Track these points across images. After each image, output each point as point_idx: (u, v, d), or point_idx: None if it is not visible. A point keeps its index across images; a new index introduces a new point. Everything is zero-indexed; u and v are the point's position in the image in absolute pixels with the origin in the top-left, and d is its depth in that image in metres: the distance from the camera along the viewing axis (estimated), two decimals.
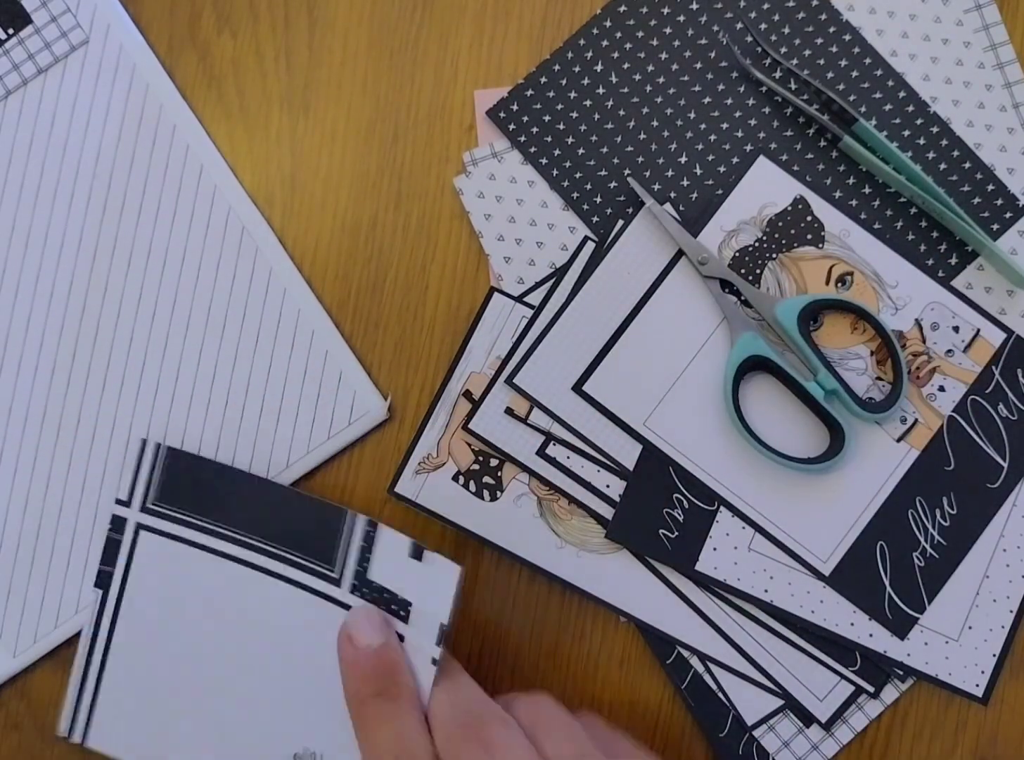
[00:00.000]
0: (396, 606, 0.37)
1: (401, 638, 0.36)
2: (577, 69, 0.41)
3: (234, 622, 0.39)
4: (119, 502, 0.40)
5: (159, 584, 0.40)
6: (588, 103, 0.41)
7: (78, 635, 0.40)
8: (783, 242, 0.40)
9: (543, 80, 0.41)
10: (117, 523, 0.40)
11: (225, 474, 0.39)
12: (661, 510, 0.39)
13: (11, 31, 0.42)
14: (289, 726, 0.38)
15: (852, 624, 0.38)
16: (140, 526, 0.40)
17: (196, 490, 0.39)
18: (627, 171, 0.41)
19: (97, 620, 0.40)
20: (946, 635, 0.38)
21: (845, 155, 0.40)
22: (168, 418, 0.41)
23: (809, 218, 0.40)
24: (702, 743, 0.39)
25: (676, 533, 0.39)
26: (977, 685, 0.38)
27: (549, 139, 0.41)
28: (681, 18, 0.41)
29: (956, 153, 0.40)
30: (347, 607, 0.37)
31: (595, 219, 0.41)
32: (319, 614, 0.38)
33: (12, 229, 0.41)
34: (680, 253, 0.40)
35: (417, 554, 0.36)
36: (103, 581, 0.40)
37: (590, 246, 0.40)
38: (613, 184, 0.41)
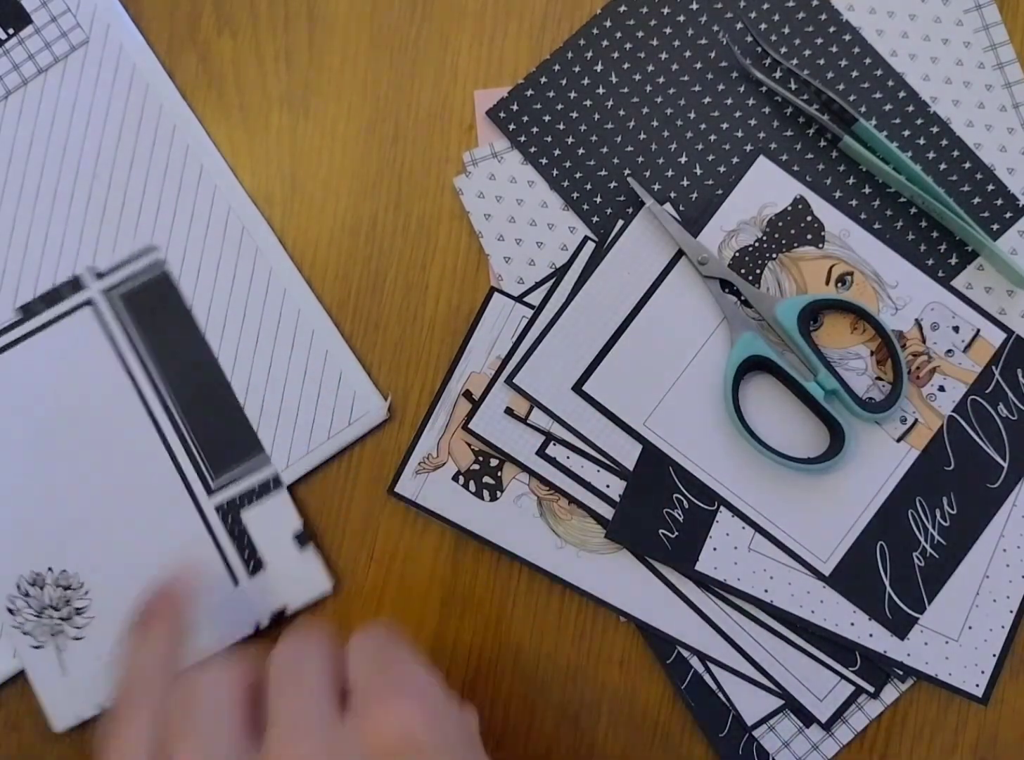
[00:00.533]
0: (249, 556, 0.39)
1: (235, 582, 0.39)
2: (577, 69, 0.41)
3: (94, 427, 0.40)
4: (95, 273, 0.41)
5: (54, 362, 0.41)
6: (588, 103, 0.41)
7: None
8: (783, 242, 0.40)
9: (543, 80, 0.41)
10: (75, 284, 0.40)
11: (190, 329, 0.40)
12: (661, 510, 0.39)
13: (11, 31, 0.42)
14: (76, 545, 0.40)
15: (852, 624, 0.38)
16: (88, 302, 0.41)
17: (155, 315, 0.40)
18: (627, 171, 0.41)
19: None
20: (946, 635, 0.38)
21: (845, 155, 0.40)
22: None
23: (809, 218, 0.40)
24: (702, 743, 0.39)
25: (676, 533, 0.39)
26: (977, 685, 0.38)
27: (549, 139, 0.41)
28: (681, 18, 0.41)
29: (956, 153, 0.40)
30: (203, 516, 0.39)
31: (595, 219, 0.41)
32: (173, 492, 0.39)
33: (12, 230, 0.41)
34: (680, 253, 0.40)
35: (302, 540, 0.39)
36: None
37: (590, 246, 0.40)
38: (613, 184, 0.41)
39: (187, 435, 0.40)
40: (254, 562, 0.39)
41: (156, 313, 0.41)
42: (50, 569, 0.40)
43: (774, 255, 0.40)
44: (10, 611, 0.40)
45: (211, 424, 0.40)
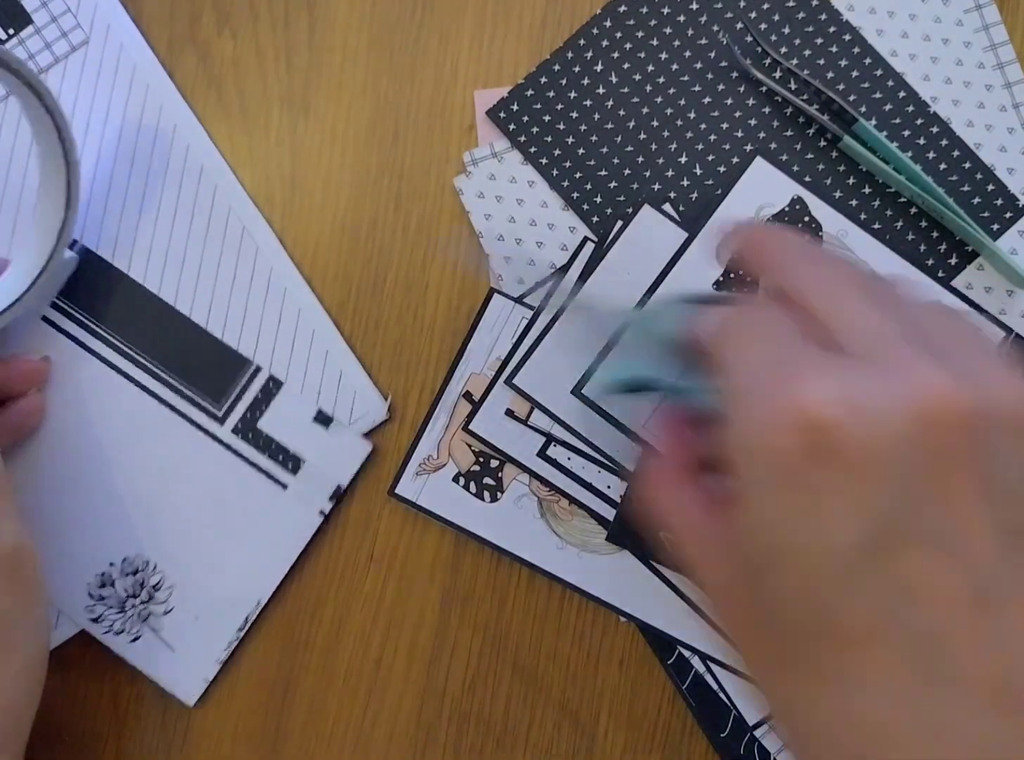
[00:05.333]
0: (284, 458, 0.39)
1: (284, 486, 0.39)
2: (577, 69, 0.41)
3: (96, 425, 0.40)
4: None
5: None
6: (588, 103, 0.41)
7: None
8: None
9: (543, 80, 0.41)
10: None
11: (136, 291, 0.41)
12: None
13: (11, 31, 0.42)
14: (122, 531, 0.40)
15: None
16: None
17: (100, 297, 0.41)
18: (627, 171, 0.41)
19: None
20: None
21: (845, 155, 0.40)
22: None
23: (807, 218, 0.40)
24: (703, 743, 0.39)
25: None
26: None
27: (549, 139, 0.41)
28: (681, 18, 0.41)
29: (956, 153, 0.40)
30: (226, 445, 0.40)
31: (595, 219, 0.41)
32: (191, 440, 0.40)
33: (13, 230, 0.41)
34: (680, 253, 0.40)
35: (323, 420, 0.39)
36: None
37: (590, 246, 0.40)
38: (613, 184, 0.41)
39: (176, 383, 0.40)
40: (291, 462, 0.40)
41: (98, 292, 0.41)
42: (111, 564, 0.40)
43: None
44: (95, 621, 0.40)
45: (192, 363, 0.41)
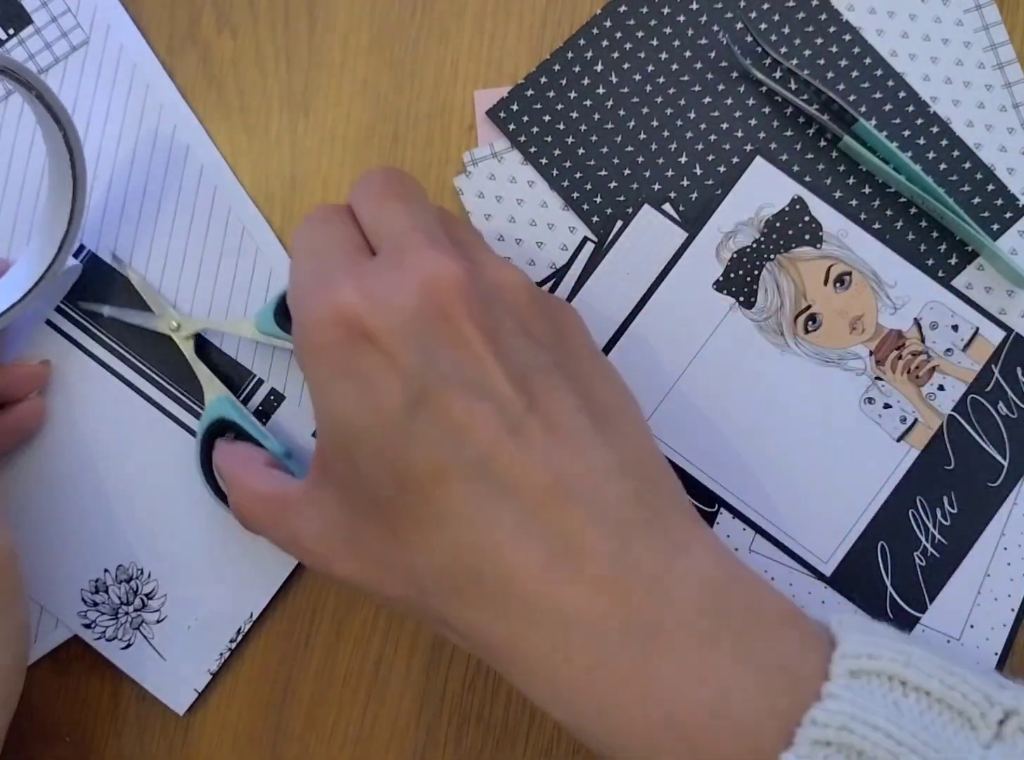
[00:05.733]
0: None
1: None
2: (577, 69, 0.41)
3: (94, 432, 0.40)
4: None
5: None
6: (588, 103, 0.41)
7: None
8: (781, 243, 0.40)
9: (543, 80, 0.41)
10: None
11: (135, 293, 0.40)
12: None
13: (11, 31, 0.42)
14: (117, 538, 0.40)
15: None
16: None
17: (99, 299, 0.41)
18: (627, 171, 0.41)
19: None
20: (948, 634, 0.38)
21: (845, 155, 0.40)
22: None
23: (807, 218, 0.40)
24: None
25: None
26: None
27: (549, 139, 0.41)
28: (681, 18, 0.41)
29: (956, 153, 0.40)
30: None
31: (595, 219, 0.41)
32: (190, 451, 0.39)
33: (13, 230, 0.41)
34: (680, 253, 0.40)
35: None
36: None
37: (590, 247, 0.40)
38: (613, 184, 0.41)
39: (176, 392, 0.40)
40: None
41: (97, 293, 0.41)
42: (106, 570, 0.40)
43: (772, 256, 0.40)
44: (87, 626, 0.40)
45: (192, 371, 0.40)
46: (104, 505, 0.40)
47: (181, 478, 0.40)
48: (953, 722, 0.26)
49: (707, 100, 0.41)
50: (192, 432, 0.40)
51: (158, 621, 0.40)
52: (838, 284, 0.40)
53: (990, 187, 0.40)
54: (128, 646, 0.39)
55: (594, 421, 0.29)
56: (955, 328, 0.39)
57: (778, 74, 0.41)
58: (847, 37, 0.41)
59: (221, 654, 0.39)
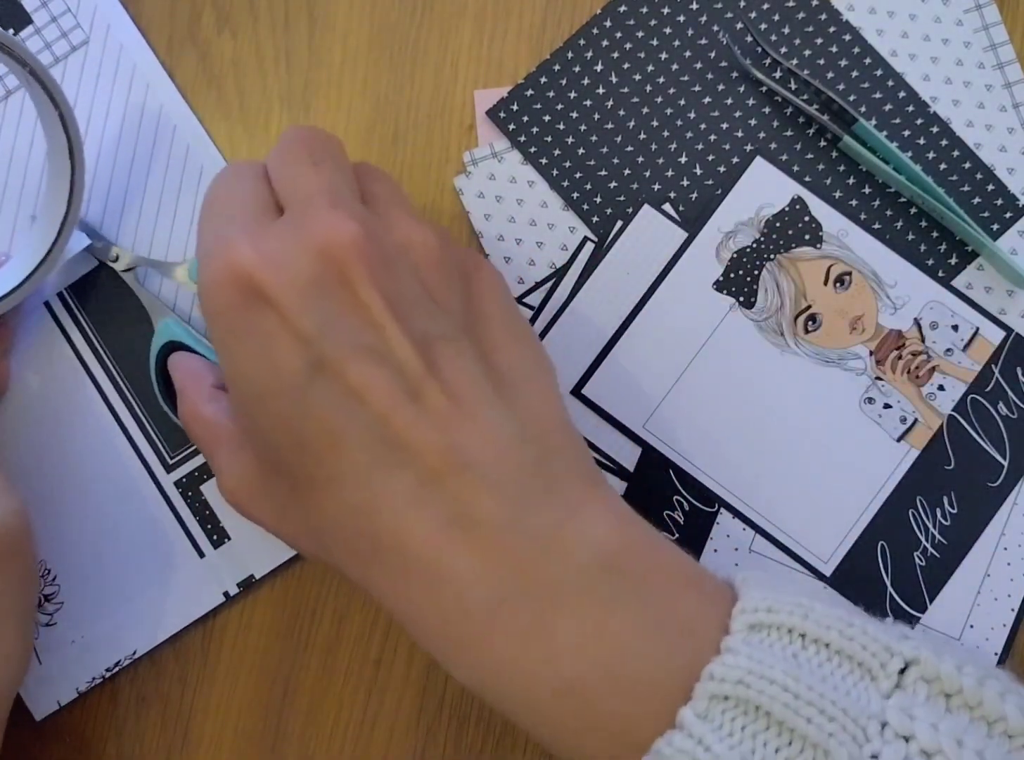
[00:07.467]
0: (212, 529, 0.39)
1: (201, 555, 0.39)
2: (577, 69, 0.41)
3: (55, 426, 0.40)
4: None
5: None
6: (588, 103, 0.41)
7: None
8: (781, 243, 0.40)
9: (543, 80, 0.41)
10: None
11: (133, 296, 0.40)
12: (662, 512, 0.39)
13: (11, 31, 0.42)
14: (42, 535, 0.39)
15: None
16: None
17: (111, 310, 0.41)
18: (627, 171, 0.41)
19: None
20: (948, 634, 0.38)
21: (845, 155, 0.40)
22: None
23: (807, 218, 0.40)
24: None
25: (677, 535, 0.39)
26: None
27: (549, 139, 0.41)
28: (681, 18, 0.41)
29: (956, 153, 0.40)
30: (164, 494, 0.40)
31: (595, 219, 0.41)
32: (131, 475, 0.40)
33: (13, 231, 0.41)
34: (680, 253, 0.40)
35: None
36: None
37: (590, 247, 0.40)
38: (613, 184, 0.41)
39: (141, 415, 0.40)
40: (217, 535, 0.39)
41: (104, 302, 0.41)
42: None
43: (772, 256, 0.40)
44: None
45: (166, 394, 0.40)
46: (36, 498, 0.39)
47: (111, 496, 0.39)
48: (853, 673, 0.26)
49: (707, 100, 0.41)
50: (142, 460, 0.40)
51: (47, 625, 0.39)
52: (838, 284, 0.40)
53: (990, 187, 0.40)
54: None
55: (496, 387, 0.28)
56: (955, 328, 0.39)
57: (778, 74, 0.41)
58: (847, 37, 0.41)
59: (94, 679, 0.39)
